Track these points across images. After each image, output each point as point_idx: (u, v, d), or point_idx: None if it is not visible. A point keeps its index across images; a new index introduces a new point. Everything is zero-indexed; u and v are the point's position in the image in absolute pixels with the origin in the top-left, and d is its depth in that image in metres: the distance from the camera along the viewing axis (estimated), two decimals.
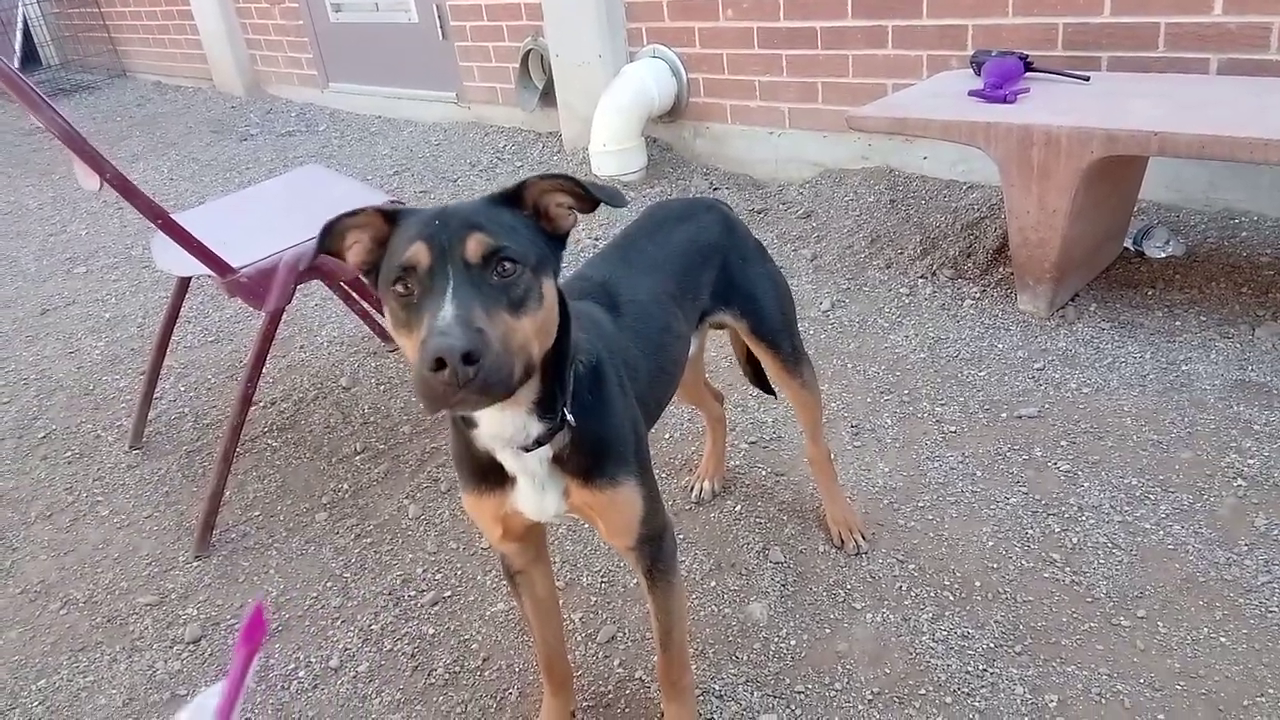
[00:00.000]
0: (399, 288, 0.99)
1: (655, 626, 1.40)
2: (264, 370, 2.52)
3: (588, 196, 1.08)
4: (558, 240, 1.11)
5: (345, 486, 2.26)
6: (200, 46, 6.77)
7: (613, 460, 1.22)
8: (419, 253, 0.97)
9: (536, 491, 1.21)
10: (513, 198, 1.08)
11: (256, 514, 2.20)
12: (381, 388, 2.67)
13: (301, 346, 2.94)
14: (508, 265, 0.98)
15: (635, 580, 1.85)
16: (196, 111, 6.37)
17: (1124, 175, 2.64)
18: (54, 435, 2.56)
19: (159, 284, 3.43)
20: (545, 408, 1.13)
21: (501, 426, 1.13)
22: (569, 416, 1.15)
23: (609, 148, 3.89)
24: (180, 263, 2.03)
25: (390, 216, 1.06)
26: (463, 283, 0.95)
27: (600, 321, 1.35)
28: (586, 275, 1.48)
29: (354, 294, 2.52)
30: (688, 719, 1.46)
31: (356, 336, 2.95)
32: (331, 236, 1.07)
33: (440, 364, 0.88)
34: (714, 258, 1.60)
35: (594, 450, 1.20)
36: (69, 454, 2.48)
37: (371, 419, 2.53)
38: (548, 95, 4.49)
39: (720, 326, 1.69)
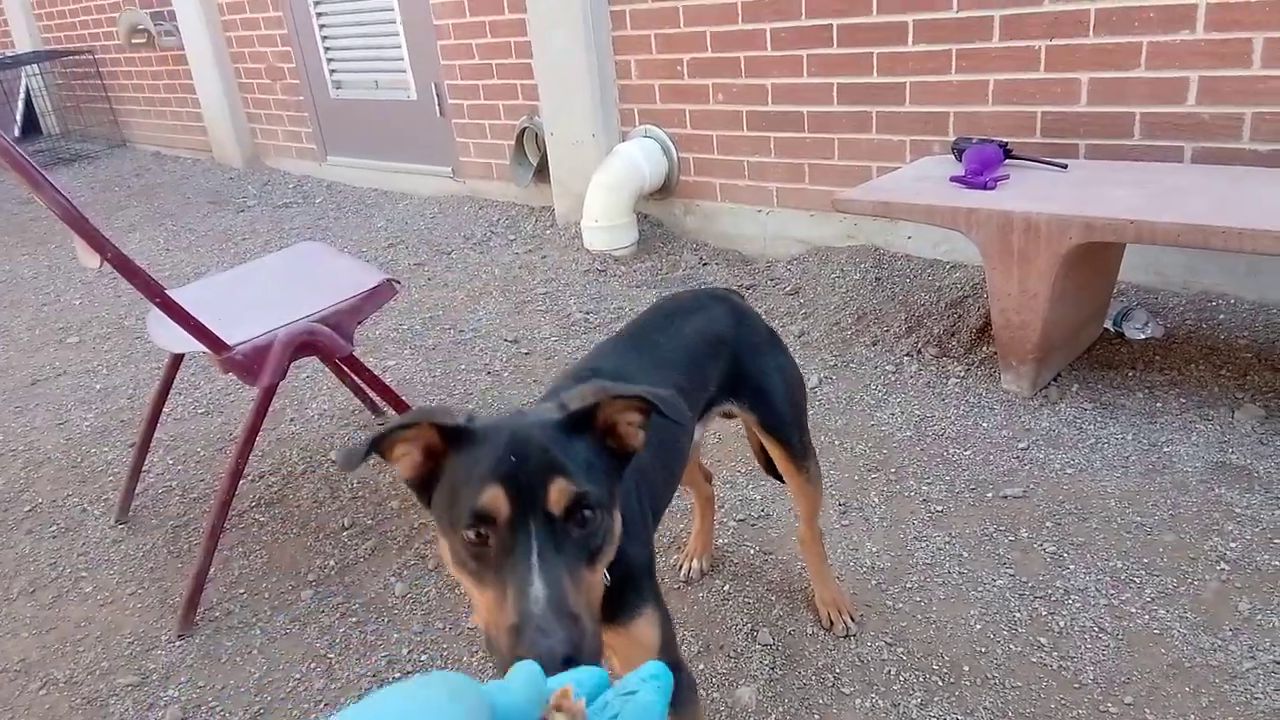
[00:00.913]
0: (470, 534, 0.89)
1: None
2: (253, 447, 2.53)
3: (660, 414, 1.01)
4: (623, 459, 1.02)
5: (332, 563, 2.25)
6: (200, 119, 6.90)
7: (631, 595, 1.18)
8: (497, 501, 0.88)
9: None
10: (584, 419, 0.98)
11: (241, 591, 2.19)
12: (370, 462, 2.67)
13: (291, 419, 2.95)
14: (588, 514, 0.90)
15: None
16: (195, 182, 6.46)
17: (1103, 259, 2.71)
18: (40, 509, 2.55)
19: (151, 355, 3.45)
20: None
21: None
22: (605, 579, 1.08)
23: (600, 223, 3.96)
24: (176, 340, 2.06)
25: (447, 433, 0.96)
26: (546, 543, 0.87)
27: None
28: (597, 368, 1.43)
29: (345, 369, 2.54)
30: None
31: (347, 410, 2.96)
32: (381, 447, 0.97)
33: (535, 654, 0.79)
34: (723, 349, 1.58)
35: (615, 590, 1.13)
36: (54, 528, 2.47)
37: (360, 493, 2.53)
38: (541, 171, 4.59)
39: (729, 416, 1.67)
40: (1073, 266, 2.43)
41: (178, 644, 2.03)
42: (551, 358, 3.20)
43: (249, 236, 5.02)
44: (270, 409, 2.91)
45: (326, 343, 2.10)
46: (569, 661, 0.80)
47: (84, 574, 2.28)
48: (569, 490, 0.89)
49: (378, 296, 2.24)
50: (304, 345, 2.07)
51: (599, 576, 0.94)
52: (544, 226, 4.52)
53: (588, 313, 3.53)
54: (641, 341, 1.52)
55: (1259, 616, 1.76)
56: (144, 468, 2.56)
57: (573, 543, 0.89)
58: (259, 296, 2.35)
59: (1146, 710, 1.62)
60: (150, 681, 1.93)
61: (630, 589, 1.17)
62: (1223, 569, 1.90)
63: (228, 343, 2.01)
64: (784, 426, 1.67)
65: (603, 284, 3.79)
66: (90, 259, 1.89)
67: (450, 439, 0.97)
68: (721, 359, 1.58)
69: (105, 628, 2.10)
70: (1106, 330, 2.87)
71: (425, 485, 0.99)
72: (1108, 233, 2.28)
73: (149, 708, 1.86)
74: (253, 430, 2.08)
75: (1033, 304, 2.46)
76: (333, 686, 1.88)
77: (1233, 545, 1.95)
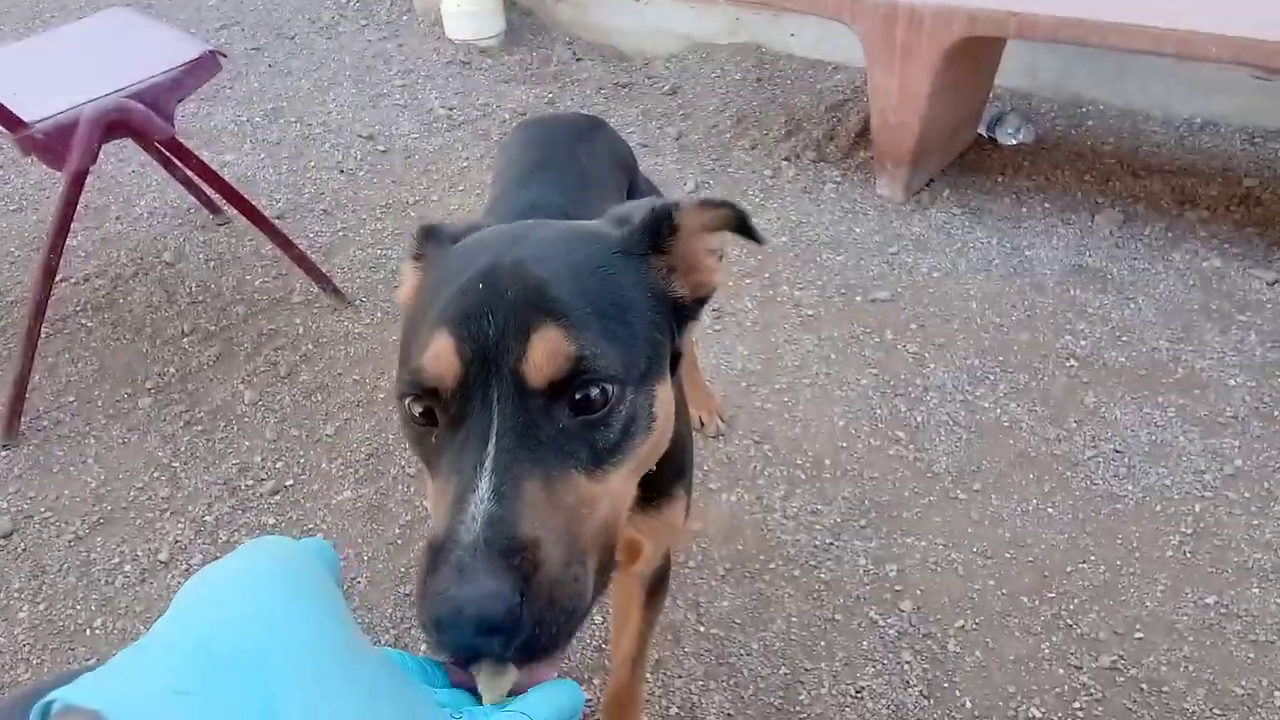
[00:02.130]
0: (411, 408, 0.63)
1: (633, 644, 1.18)
2: (74, 243, 2.28)
3: (753, 238, 0.77)
4: (690, 307, 0.74)
5: (172, 370, 2.09)
6: None
7: (670, 472, 0.91)
8: (441, 359, 0.60)
9: None
10: (653, 239, 0.70)
11: (71, 399, 2.01)
12: (211, 264, 2.46)
13: (118, 217, 2.67)
14: (594, 394, 0.61)
15: None
16: None
17: (982, 58, 2.65)
18: None
19: None
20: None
21: None
22: None
23: (464, 8, 3.62)
24: None
25: (420, 243, 0.73)
26: (512, 427, 0.58)
27: None
28: (537, 204, 1.16)
29: (174, 159, 2.27)
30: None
31: (181, 208, 2.69)
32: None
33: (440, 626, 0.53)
34: (624, 172, 1.45)
35: (654, 476, 0.78)
36: None
37: (200, 298, 2.33)
38: None
39: None
40: (953, 63, 2.37)
41: (3, 454, 1.87)
42: (411, 156, 2.97)
43: (59, 13, 4.39)
44: (93, 205, 2.62)
45: (142, 122, 1.85)
46: (492, 631, 0.52)
47: None
48: (562, 352, 0.59)
49: (200, 70, 1.97)
50: (115, 124, 1.81)
51: (612, 491, 0.63)
52: (400, 11, 4.11)
53: (451, 109, 3.27)
54: (570, 166, 1.29)
55: (1103, 409, 1.86)
56: None
57: (562, 434, 0.60)
58: (62, 69, 2.04)
59: (993, 495, 1.70)
60: None
61: (670, 465, 0.82)
62: (1071, 365, 1.98)
63: (24, 120, 1.73)
64: None
65: (467, 77, 3.50)
66: None
67: (423, 255, 0.73)
68: (623, 182, 1.43)
69: None
70: (980, 136, 2.86)
71: None
72: (990, 26, 2.21)
73: None
74: (63, 221, 1.85)
75: (912, 103, 2.40)
76: (179, 495, 1.77)
77: (1083, 343, 2.03)
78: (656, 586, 1.14)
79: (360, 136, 3.09)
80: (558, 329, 0.60)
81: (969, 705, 1.37)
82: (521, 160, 1.32)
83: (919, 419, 1.88)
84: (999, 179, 2.65)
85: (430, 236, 0.73)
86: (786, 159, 2.82)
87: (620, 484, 0.64)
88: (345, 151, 3.01)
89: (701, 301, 0.75)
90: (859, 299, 2.22)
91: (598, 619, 1.54)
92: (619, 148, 1.47)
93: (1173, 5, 2.03)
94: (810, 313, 2.19)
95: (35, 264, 2.17)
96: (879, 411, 1.90)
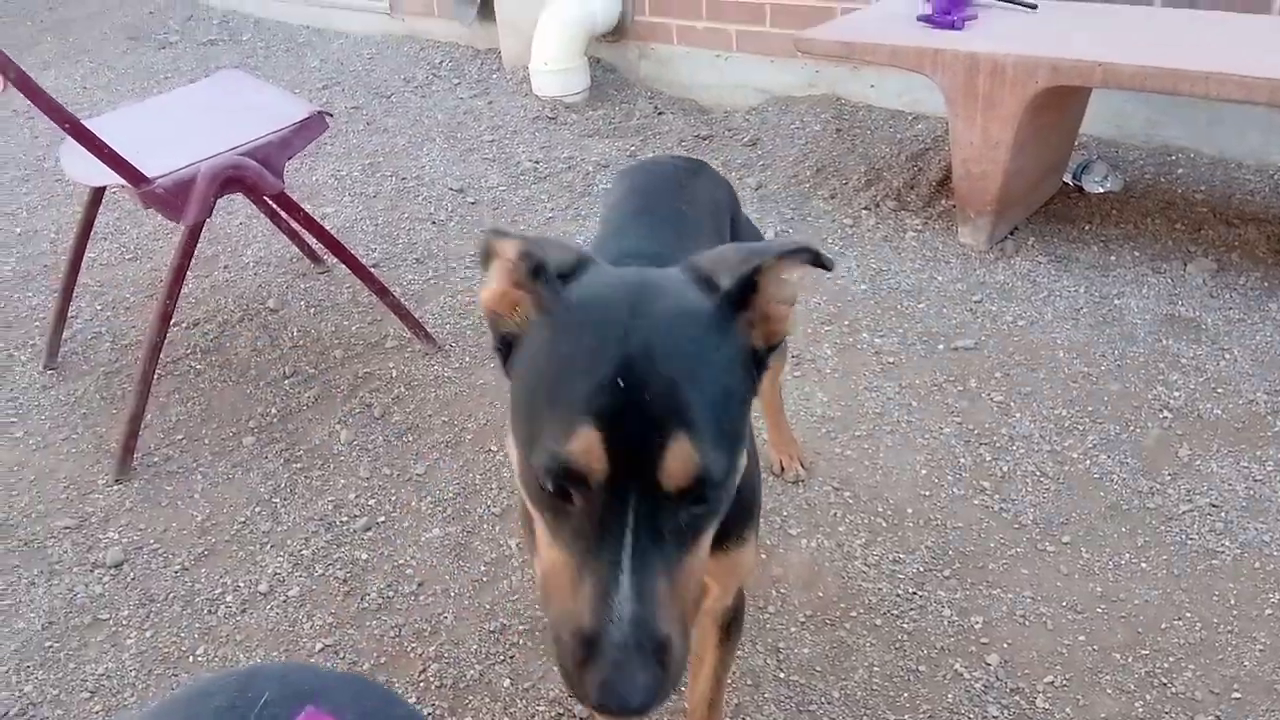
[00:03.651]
0: (547, 481, 0.68)
1: (708, 685, 1.19)
2: (186, 290, 2.41)
3: (823, 266, 0.79)
4: (764, 357, 0.78)
5: (273, 411, 2.19)
6: None
7: (742, 516, 0.98)
8: (591, 456, 0.66)
9: None
10: (740, 301, 0.74)
11: (180, 437, 2.12)
12: (311, 310, 2.58)
13: (226, 266, 2.82)
14: (709, 495, 0.69)
15: None
16: (112, 16, 5.99)
17: (1067, 108, 2.64)
18: None
19: (72, 198, 3.25)
20: None
21: None
22: None
23: (550, 67, 3.76)
24: (92, 172, 1.91)
25: (536, 275, 0.74)
26: (647, 527, 0.66)
27: None
28: (632, 253, 1.14)
29: (281, 212, 2.41)
30: None
31: (284, 257, 2.84)
32: (490, 244, 0.78)
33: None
34: (725, 215, 1.44)
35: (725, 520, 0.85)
36: None
37: (300, 342, 2.44)
38: (486, 8, 4.32)
39: None
40: (1037, 113, 2.36)
41: (115, 488, 1.98)
42: (499, 207, 3.08)
43: (171, 75, 4.70)
44: (203, 255, 2.78)
45: (254, 178, 1.97)
46: (643, 708, 0.63)
47: (14, 419, 2.20)
48: (694, 463, 0.66)
49: (308, 130, 2.09)
50: (230, 180, 1.94)
51: (704, 558, 0.72)
52: (490, 70, 4.29)
53: (536, 162, 3.39)
54: (668, 213, 1.29)
55: (1198, 462, 1.81)
56: (71, 313, 2.44)
57: (680, 527, 0.68)
58: (180, 128, 2.19)
59: (1083, 548, 1.67)
60: (89, 524, 1.89)
61: (740, 509, 0.87)
62: (1165, 417, 1.93)
63: (147, 175, 1.87)
64: None
65: (552, 132, 3.63)
66: None
67: (539, 290, 0.74)
68: (725, 226, 1.43)
69: (39, 472, 2.04)
70: (1065, 184, 2.83)
71: (506, 340, 0.78)
72: (1074, 75, 2.21)
73: (89, 549, 1.83)
74: (180, 270, 1.97)
75: (994, 153, 2.40)
76: (278, 529, 1.85)
77: (1176, 394, 1.98)
78: (730, 627, 1.16)
79: (451, 189, 3.22)
80: (689, 442, 0.66)
81: None
82: (622, 206, 1.34)
83: (1005, 469, 1.85)
84: (1086, 227, 2.62)
85: (539, 272, 0.74)
86: (866, 208, 2.84)
87: (705, 548, 0.73)
88: (437, 203, 3.14)
89: (772, 349, 0.79)
90: (941, 347, 2.21)
91: None
92: (719, 190, 1.46)
93: (1264, 55, 2.01)
94: (891, 360, 2.19)
95: (151, 309, 2.32)
96: (963, 460, 1.88)
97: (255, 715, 0.48)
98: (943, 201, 2.81)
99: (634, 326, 0.69)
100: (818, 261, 0.78)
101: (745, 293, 0.74)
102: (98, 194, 2.25)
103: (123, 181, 1.87)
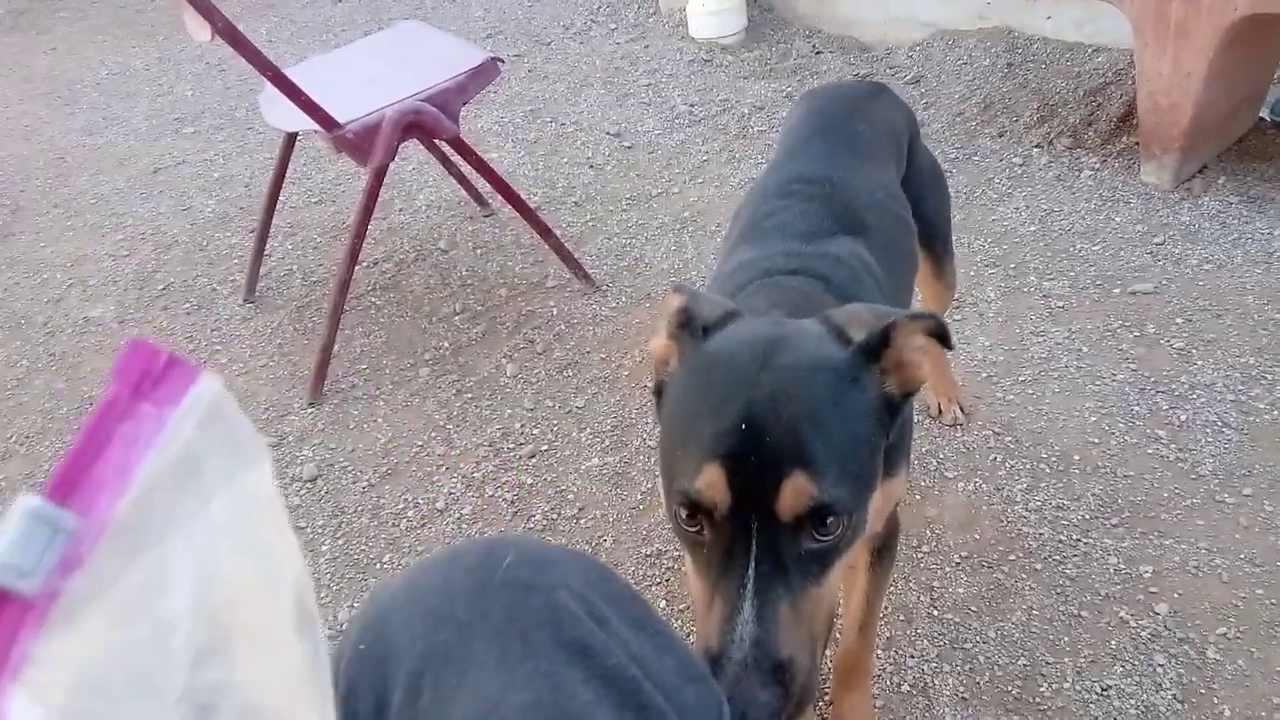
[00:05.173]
0: (681, 513, 0.77)
1: (860, 609, 1.22)
2: (367, 229, 2.58)
3: (947, 344, 0.85)
4: (899, 403, 0.83)
5: (445, 345, 2.33)
6: None
7: (895, 452, 0.99)
8: (714, 490, 0.73)
9: None
10: (873, 356, 0.79)
11: (364, 367, 2.30)
12: (478, 252, 2.71)
13: (400, 209, 2.99)
14: (829, 523, 0.74)
15: None
16: None
17: (1266, 37, 2.42)
18: (173, 288, 2.69)
19: (263, 145, 3.50)
20: None
21: None
22: None
23: (708, 7, 3.73)
24: (289, 118, 2.07)
25: (683, 321, 0.82)
26: (768, 554, 0.72)
27: (854, 268, 1.05)
28: (803, 175, 1.19)
29: (453, 156, 2.53)
30: (866, 705, 1.33)
31: (453, 201, 2.98)
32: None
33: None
34: (902, 140, 1.43)
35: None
36: (187, 305, 2.61)
37: (469, 281, 2.57)
38: None
39: None
40: (1233, 43, 2.18)
41: (309, 411, 2.17)
42: (655, 151, 3.12)
43: (348, 28, 4.94)
44: (379, 199, 2.95)
45: (433, 123, 2.08)
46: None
47: (219, 347, 2.43)
48: (808, 495, 0.71)
49: (482, 75, 2.18)
50: (412, 125, 2.05)
51: (832, 589, 0.77)
52: (646, 14, 4.30)
53: (692, 105, 3.40)
54: (842, 135, 1.30)
55: None
56: (265, 252, 2.65)
57: (804, 554, 0.73)
58: (363, 77, 2.32)
59: (1265, 502, 1.58)
60: (287, 442, 2.08)
61: (897, 444, 0.95)
62: None
63: (338, 120, 2.01)
64: (935, 226, 1.53)
65: (708, 75, 3.62)
66: (200, 31, 1.88)
67: (683, 341, 0.81)
68: (901, 151, 1.42)
69: (242, 395, 2.25)
70: (1261, 119, 2.61)
71: (660, 387, 0.85)
72: (1276, 3, 2.02)
73: (286, 465, 2.02)
74: (366, 211, 2.12)
75: (1185, 85, 2.24)
76: (452, 453, 1.99)
77: None
78: (880, 551, 1.19)
79: (608, 134, 3.28)
80: (805, 476, 0.72)
81: (1227, 714, 1.30)
82: (798, 130, 1.35)
83: (1183, 418, 1.77)
84: None
85: (687, 322, 0.83)
86: (1038, 146, 2.71)
87: (837, 578, 0.78)
88: (594, 148, 3.20)
89: (909, 395, 0.83)
90: (1117, 291, 2.11)
91: None
92: (898, 114, 1.44)
93: None
94: (1060, 304, 2.11)
95: (336, 249, 2.49)
96: (1136, 408, 1.81)
97: (501, 573, 0.56)
98: (1123, 138, 2.65)
99: (762, 376, 0.75)
100: (942, 335, 0.83)
101: (878, 346, 0.79)
102: (291, 139, 2.42)
103: (316, 127, 2.01)
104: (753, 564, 0.72)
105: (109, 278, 2.75)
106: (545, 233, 2.39)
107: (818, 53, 3.65)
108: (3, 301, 2.68)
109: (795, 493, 0.71)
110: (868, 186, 1.21)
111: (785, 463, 0.72)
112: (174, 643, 0.29)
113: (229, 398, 0.34)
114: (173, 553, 0.30)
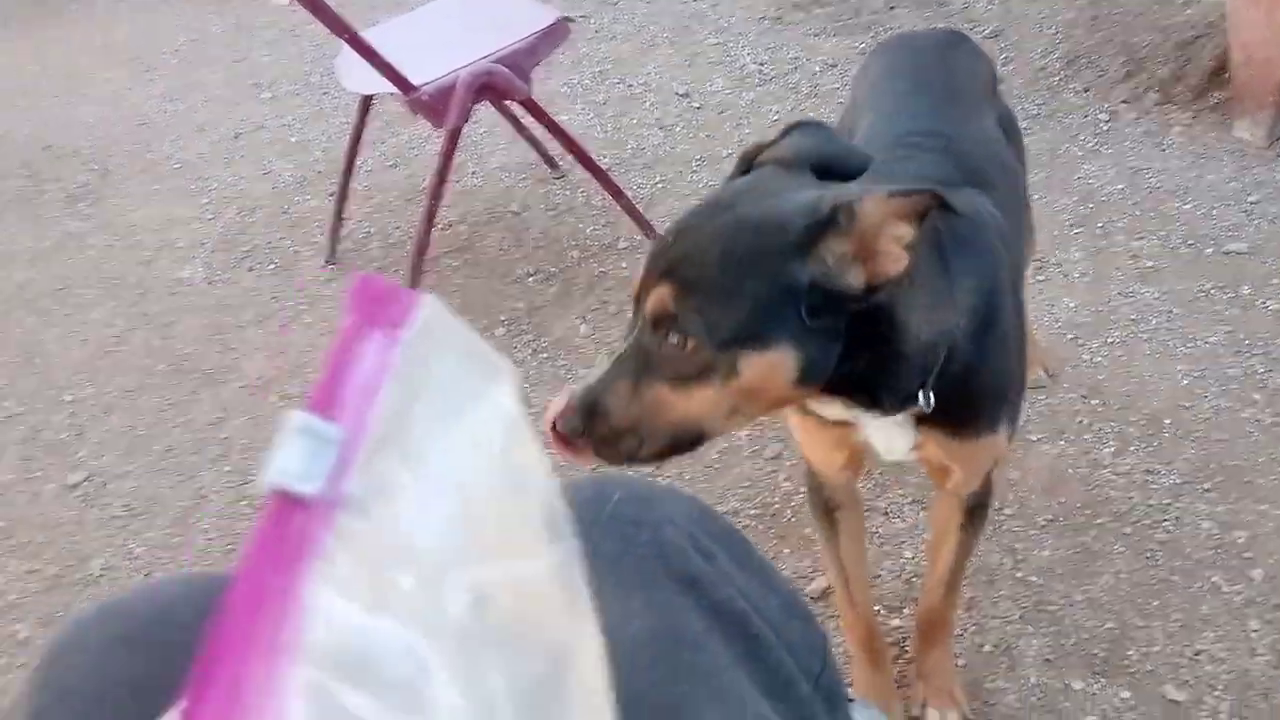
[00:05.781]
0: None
1: (947, 565, 1.22)
2: (444, 192, 2.61)
3: (951, 211, 0.80)
4: (859, 294, 0.82)
5: (520, 305, 2.36)
6: None
7: (987, 415, 1.02)
8: (635, 280, 0.89)
9: (891, 431, 1.01)
10: (815, 236, 0.80)
11: None
12: (550, 214, 2.72)
13: (473, 172, 3.01)
14: (673, 339, 0.82)
15: None
16: None
17: None
18: (258, 250, 2.76)
19: (338, 110, 3.55)
20: (895, 396, 0.92)
21: (832, 412, 0.98)
22: (925, 402, 0.93)
23: None
24: (365, 81, 2.10)
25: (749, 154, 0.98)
26: (638, 343, 0.85)
27: (983, 221, 1.01)
28: (915, 132, 1.13)
29: (526, 118, 2.54)
30: (948, 663, 1.34)
31: (525, 163, 2.99)
32: None
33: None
34: (989, 86, 1.39)
35: (967, 407, 0.98)
36: (272, 267, 2.67)
37: (541, 243, 2.59)
38: None
39: None
40: None
41: None
42: (724, 111, 3.08)
43: None
44: (453, 160, 2.97)
45: (506, 84, 2.09)
46: (560, 433, 0.85)
47: (305, 307, 2.49)
48: (661, 303, 0.82)
49: (553, 36, 2.18)
50: (485, 86, 2.06)
51: (683, 407, 0.84)
52: None
53: (761, 64, 3.35)
54: (939, 88, 1.25)
55: None
56: (344, 215, 2.70)
57: (663, 356, 0.83)
58: (436, 39, 2.34)
59: None
60: None
61: (985, 406, 1.00)
62: None
63: (414, 83, 2.02)
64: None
65: (778, 33, 3.55)
66: None
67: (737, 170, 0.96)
68: (988, 98, 1.38)
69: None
70: None
71: None
72: None
73: None
74: (442, 173, 2.14)
75: None
76: (531, 411, 1.95)
77: None
78: (973, 511, 1.19)
79: (677, 95, 3.25)
80: (668, 288, 0.82)
81: None
82: (887, 86, 1.30)
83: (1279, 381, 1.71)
84: None
85: (746, 158, 0.96)
86: (1125, 101, 2.62)
87: (701, 404, 0.84)
88: (664, 109, 3.18)
89: (877, 287, 0.82)
90: (1209, 251, 2.04)
91: (906, 553, 1.58)
92: (981, 64, 1.40)
93: None
94: (1150, 264, 2.04)
95: (413, 214, 2.52)
96: (1231, 372, 1.75)
97: (610, 508, 0.58)
98: (1216, 94, 2.54)
99: (717, 212, 0.86)
100: (942, 204, 0.78)
101: (823, 225, 0.80)
102: (366, 103, 2.45)
103: (393, 89, 2.03)
104: (626, 345, 0.86)
105: (196, 240, 2.83)
106: (617, 194, 2.39)
107: (891, 8, 3.56)
108: (97, 264, 2.78)
109: (656, 298, 0.83)
110: (982, 139, 1.19)
111: (663, 274, 0.83)
112: (444, 543, 0.31)
113: (455, 320, 0.37)
114: (430, 462, 0.32)
